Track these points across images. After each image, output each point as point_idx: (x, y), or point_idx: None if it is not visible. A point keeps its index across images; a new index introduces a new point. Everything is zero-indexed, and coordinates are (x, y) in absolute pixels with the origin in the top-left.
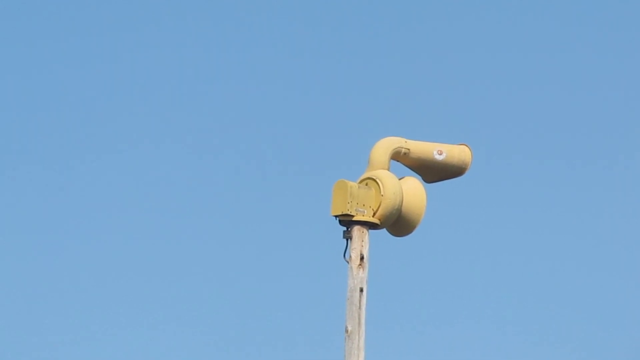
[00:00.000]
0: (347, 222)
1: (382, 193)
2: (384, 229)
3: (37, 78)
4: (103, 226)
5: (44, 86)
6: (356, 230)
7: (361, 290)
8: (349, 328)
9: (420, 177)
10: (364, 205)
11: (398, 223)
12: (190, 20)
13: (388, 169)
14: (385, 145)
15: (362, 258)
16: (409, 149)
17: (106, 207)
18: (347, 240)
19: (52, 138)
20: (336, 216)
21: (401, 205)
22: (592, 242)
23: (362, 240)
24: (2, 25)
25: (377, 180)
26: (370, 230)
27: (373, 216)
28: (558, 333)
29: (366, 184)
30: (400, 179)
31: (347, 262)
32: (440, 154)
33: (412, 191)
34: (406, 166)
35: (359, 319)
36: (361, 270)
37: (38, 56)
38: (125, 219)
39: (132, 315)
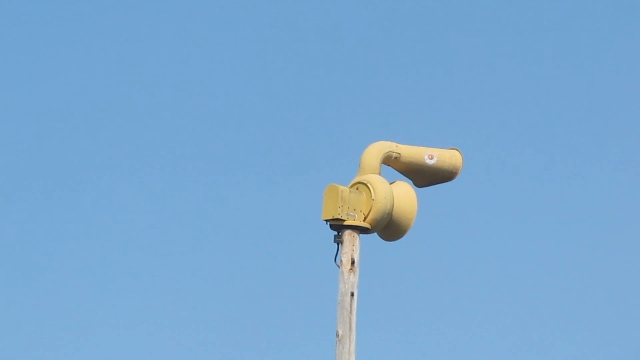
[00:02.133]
0: (338, 226)
1: (373, 197)
2: (375, 234)
3: (36, 78)
4: (101, 227)
5: (43, 86)
6: (347, 235)
7: (352, 294)
8: (340, 332)
9: (411, 182)
10: (354, 209)
11: (389, 227)
12: (184, 21)
13: (379, 174)
14: (376, 150)
15: (353, 262)
16: (399, 154)
17: (105, 207)
18: (338, 244)
19: (51, 138)
20: (327, 220)
21: (392, 210)
22: (585, 245)
23: (353, 245)
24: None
25: (368, 184)
26: (361, 235)
27: (364, 220)
28: (553, 337)
29: (357, 189)
30: (391, 184)
31: (338, 266)
32: (431, 159)
33: (403, 195)
34: (397, 170)
35: (350, 323)
36: (352, 274)
37: (37, 56)
38: (118, 222)
39: (126, 317)
